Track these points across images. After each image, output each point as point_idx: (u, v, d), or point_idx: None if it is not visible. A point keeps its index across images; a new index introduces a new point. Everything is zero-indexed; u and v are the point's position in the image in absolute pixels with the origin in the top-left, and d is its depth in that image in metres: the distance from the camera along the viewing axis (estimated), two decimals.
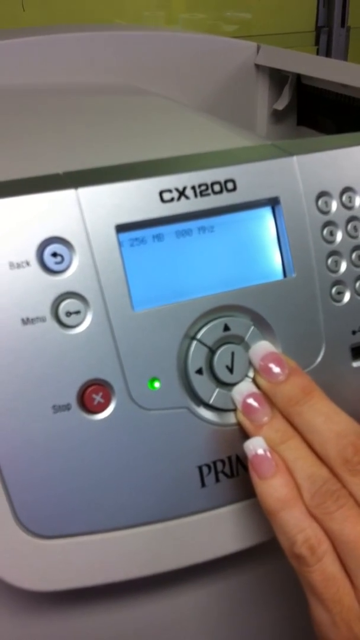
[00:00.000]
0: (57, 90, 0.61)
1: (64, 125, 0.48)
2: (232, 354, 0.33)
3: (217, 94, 0.72)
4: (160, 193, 0.31)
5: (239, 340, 0.33)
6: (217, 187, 0.32)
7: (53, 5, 1.25)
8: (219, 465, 0.33)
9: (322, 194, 0.34)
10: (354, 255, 0.35)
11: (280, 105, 0.72)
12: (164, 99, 0.59)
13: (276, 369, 0.32)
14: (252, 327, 0.33)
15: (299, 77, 0.71)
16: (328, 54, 1.45)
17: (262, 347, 0.33)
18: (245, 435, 0.32)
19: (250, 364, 0.33)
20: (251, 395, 0.32)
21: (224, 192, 0.32)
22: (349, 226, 0.35)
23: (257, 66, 0.72)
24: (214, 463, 0.33)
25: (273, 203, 0.34)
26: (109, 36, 0.68)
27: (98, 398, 0.31)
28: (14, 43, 0.65)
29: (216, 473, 0.33)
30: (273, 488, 0.30)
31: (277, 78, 0.73)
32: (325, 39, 1.45)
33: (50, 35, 0.65)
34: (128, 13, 1.38)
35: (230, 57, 0.71)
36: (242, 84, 0.72)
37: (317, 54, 1.45)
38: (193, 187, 0.32)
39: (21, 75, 0.64)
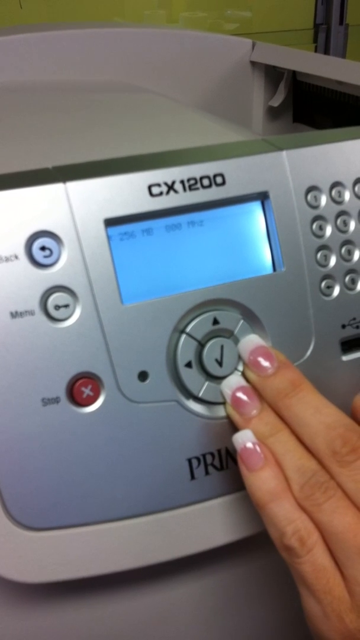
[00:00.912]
0: (50, 88, 0.61)
1: (56, 122, 0.48)
2: (222, 347, 0.33)
3: (212, 91, 0.72)
4: (149, 187, 0.31)
5: (229, 333, 0.33)
6: (206, 182, 0.32)
7: (51, 4, 1.25)
8: (209, 458, 0.33)
9: (312, 189, 0.34)
10: (343, 250, 0.35)
11: (276, 102, 0.72)
12: (156, 96, 0.59)
13: (265, 363, 0.32)
14: (242, 321, 0.33)
15: (294, 74, 0.71)
16: (326, 51, 1.45)
17: (251, 341, 0.33)
18: (234, 428, 0.32)
19: (240, 357, 0.33)
20: (240, 388, 0.32)
21: (213, 187, 0.33)
22: (339, 220, 0.35)
23: (253, 63, 0.72)
24: (204, 456, 0.33)
25: (262, 197, 0.34)
26: (104, 33, 0.68)
27: (87, 391, 0.31)
28: (10, 40, 0.65)
29: (206, 466, 0.33)
30: (262, 480, 0.30)
31: (273, 75, 0.73)
32: (324, 36, 1.45)
33: (46, 33, 0.66)
34: (128, 12, 1.38)
35: (226, 54, 0.71)
36: (237, 81, 0.72)
37: (316, 51, 1.45)
38: (182, 182, 0.32)
39: (16, 72, 0.64)
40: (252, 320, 0.33)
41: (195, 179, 0.32)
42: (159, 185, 0.32)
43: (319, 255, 0.34)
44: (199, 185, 0.32)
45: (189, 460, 0.33)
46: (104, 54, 0.67)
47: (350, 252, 0.35)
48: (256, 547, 0.38)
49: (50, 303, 0.30)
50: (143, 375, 0.32)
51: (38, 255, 0.30)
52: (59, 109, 0.53)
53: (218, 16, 1.48)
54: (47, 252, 0.30)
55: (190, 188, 0.32)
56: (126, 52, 0.68)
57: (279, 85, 0.72)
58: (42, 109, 0.53)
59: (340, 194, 0.35)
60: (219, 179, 0.33)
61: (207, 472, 0.33)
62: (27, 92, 0.59)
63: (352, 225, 0.35)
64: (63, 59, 0.65)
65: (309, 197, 0.34)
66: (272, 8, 1.48)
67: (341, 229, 0.35)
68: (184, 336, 0.32)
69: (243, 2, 1.48)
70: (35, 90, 0.60)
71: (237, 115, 0.74)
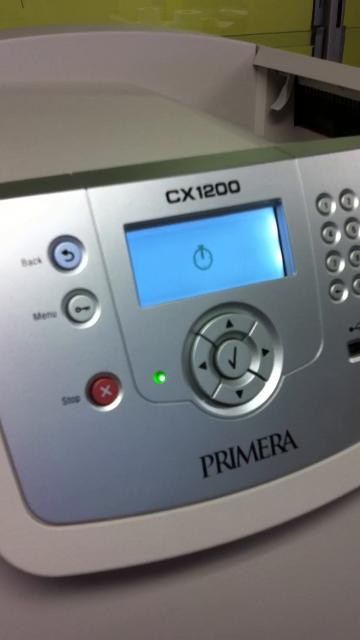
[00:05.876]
0: (62, 91, 0.62)
1: (71, 126, 0.49)
2: (235, 349, 0.34)
3: (215, 94, 0.73)
4: (167, 193, 0.32)
5: (241, 336, 0.34)
6: (221, 188, 0.33)
7: (51, 1, 1.25)
8: (221, 456, 0.34)
9: (322, 196, 0.36)
10: (352, 255, 0.36)
11: (278, 105, 0.73)
12: (168, 100, 0.59)
13: None
14: (254, 324, 0.34)
15: (296, 78, 0.72)
16: (323, 53, 1.46)
17: None
18: (246, 427, 0.33)
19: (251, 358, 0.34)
20: None
21: (228, 193, 0.34)
22: (348, 227, 0.36)
23: (256, 67, 0.73)
24: (216, 454, 0.34)
25: (275, 204, 0.35)
26: (109, 36, 0.68)
27: (106, 391, 0.32)
28: (15, 42, 0.66)
29: (218, 464, 0.34)
30: None
31: (275, 79, 0.74)
32: (321, 38, 1.46)
33: (51, 35, 0.66)
34: (123, 9, 1.39)
35: (229, 57, 0.72)
36: (240, 84, 0.73)
37: (313, 53, 1.46)
38: (198, 188, 0.33)
39: (22, 75, 0.65)
40: (264, 322, 0.34)
41: (211, 185, 0.33)
42: (176, 191, 0.33)
43: (328, 260, 0.36)
44: (214, 192, 0.33)
45: (202, 459, 0.34)
46: (107, 57, 0.68)
47: (358, 258, 0.36)
48: (262, 541, 0.39)
49: (72, 305, 0.31)
50: (159, 376, 0.33)
51: (60, 259, 0.31)
52: (73, 113, 0.54)
53: (213, 14, 1.48)
54: (69, 256, 0.31)
55: (207, 194, 0.33)
56: (130, 54, 0.69)
57: (282, 89, 0.73)
58: (54, 113, 0.53)
59: (349, 201, 0.36)
60: (233, 186, 0.34)
61: (219, 470, 0.34)
62: (37, 95, 0.60)
63: None
64: (70, 62, 0.66)
65: (320, 203, 0.35)
66: (269, 8, 1.49)
67: (350, 235, 0.36)
68: (198, 338, 0.33)
69: (239, 1, 1.49)
70: (44, 93, 0.61)
71: (239, 117, 0.75)
